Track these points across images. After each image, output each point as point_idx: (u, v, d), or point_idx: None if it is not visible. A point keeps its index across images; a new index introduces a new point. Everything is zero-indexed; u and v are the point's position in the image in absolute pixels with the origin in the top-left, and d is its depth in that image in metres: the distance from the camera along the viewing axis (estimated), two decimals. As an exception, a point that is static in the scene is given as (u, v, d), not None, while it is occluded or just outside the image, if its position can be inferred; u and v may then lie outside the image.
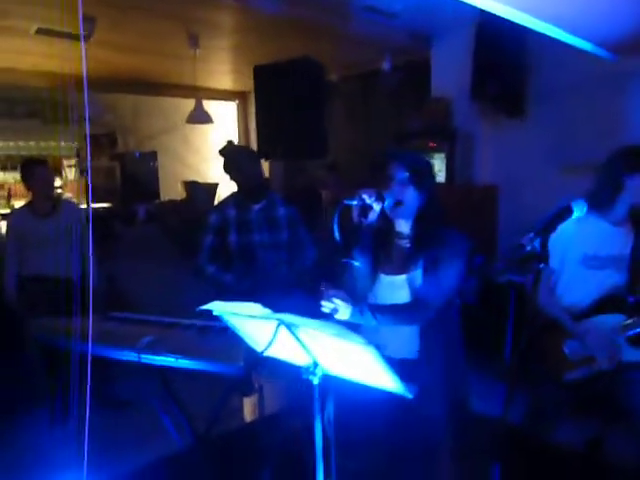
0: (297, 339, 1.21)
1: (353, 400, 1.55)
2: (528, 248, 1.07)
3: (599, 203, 2.00)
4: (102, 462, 2.50)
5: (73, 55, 4.52)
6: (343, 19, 4.13)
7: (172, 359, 1.86)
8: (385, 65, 5.22)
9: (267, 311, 1.20)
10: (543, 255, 1.06)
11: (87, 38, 4.17)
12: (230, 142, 3.09)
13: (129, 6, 3.75)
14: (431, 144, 4.40)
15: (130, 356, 1.91)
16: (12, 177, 5.60)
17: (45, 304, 3.00)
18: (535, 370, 2.30)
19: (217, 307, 1.31)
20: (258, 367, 2.07)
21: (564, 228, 2.00)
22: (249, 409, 3.33)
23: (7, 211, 4.80)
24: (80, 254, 3.30)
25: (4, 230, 3.49)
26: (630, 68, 3.53)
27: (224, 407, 2.84)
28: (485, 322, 2.90)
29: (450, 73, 4.63)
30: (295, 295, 2.76)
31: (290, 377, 2.28)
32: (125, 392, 3.32)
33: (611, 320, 2.03)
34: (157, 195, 5.85)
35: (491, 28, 3.98)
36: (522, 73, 4.05)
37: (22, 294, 3.20)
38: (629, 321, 2.02)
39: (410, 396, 1.17)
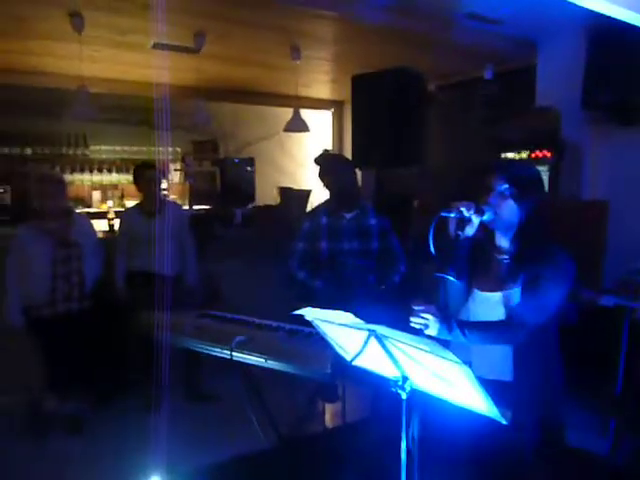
0: (387, 352, 1.20)
1: (441, 419, 1.51)
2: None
3: None
4: (187, 453, 2.66)
5: (182, 66, 4.88)
6: (445, 27, 4.05)
7: (262, 359, 1.92)
8: (487, 73, 5.05)
9: (359, 321, 1.20)
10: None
11: (197, 51, 4.47)
12: (326, 151, 3.15)
13: (236, 20, 3.94)
14: (534, 154, 4.17)
15: (223, 353, 2.00)
16: (125, 179, 6.11)
17: (149, 298, 3.23)
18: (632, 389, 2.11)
19: (309, 313, 1.33)
20: (345, 375, 2.08)
21: None
22: (331, 415, 3.35)
23: (120, 209, 5.22)
24: (182, 252, 3.53)
25: (117, 226, 3.78)
26: None
27: (309, 411, 2.89)
28: (586, 347, 2.70)
29: (558, 80, 4.38)
30: (383, 306, 2.75)
31: (376, 388, 2.28)
32: (214, 387, 3.47)
33: None
34: (253, 199, 6.08)
35: (605, 31, 3.72)
36: (636, 79, 3.73)
37: (129, 288, 3.45)
38: None
39: (504, 422, 1.11)
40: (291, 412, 2.54)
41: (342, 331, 1.35)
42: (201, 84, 5.59)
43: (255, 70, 5.53)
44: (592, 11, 3.09)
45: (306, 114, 6.35)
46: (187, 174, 6.03)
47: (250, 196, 6.03)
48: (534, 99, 4.60)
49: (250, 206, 5.62)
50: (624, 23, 2.84)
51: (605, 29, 3.71)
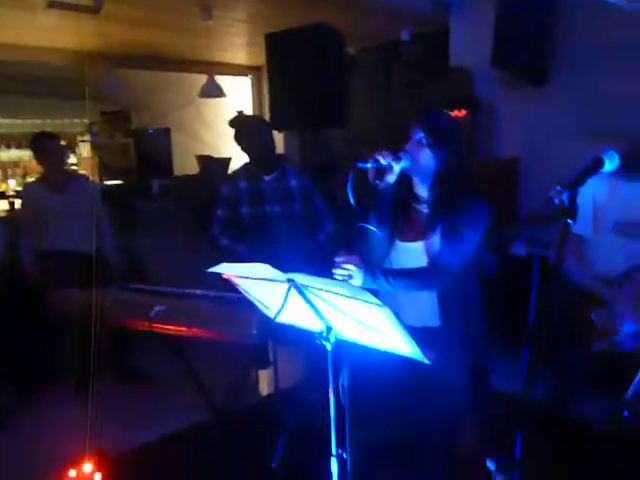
0: (309, 302, 1.16)
1: (369, 368, 1.51)
2: (556, 202, 0.99)
3: (631, 166, 1.89)
4: (121, 434, 2.55)
5: (85, 30, 4.48)
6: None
7: (184, 327, 1.83)
8: (404, 35, 5.07)
9: (277, 272, 1.15)
10: (571, 210, 0.98)
11: (96, 11, 4.11)
12: (240, 112, 3.03)
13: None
14: (454, 113, 4.25)
15: (142, 325, 1.89)
16: (27, 155, 5.61)
17: (63, 277, 3.01)
18: (562, 340, 2.24)
19: (225, 269, 1.26)
20: (272, 336, 2.05)
21: (590, 193, 1.92)
22: (265, 382, 3.33)
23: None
24: (96, 228, 3.31)
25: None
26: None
27: (242, 380, 2.84)
28: (506, 297, 2.84)
29: (469, 41, 4.47)
30: (311, 267, 2.72)
31: (306, 346, 2.26)
32: (144, 364, 3.34)
33: None
34: (171, 171, 5.81)
35: (513, -8, 3.81)
36: (547, 40, 3.88)
37: (42, 267, 3.21)
38: None
39: (427, 362, 1.11)
40: (225, 383, 2.49)
41: (263, 286, 1.30)
42: (108, 49, 5.19)
43: (166, 34, 5.19)
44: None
45: (224, 81, 6.12)
46: (97, 147, 5.64)
47: (168, 167, 5.76)
48: (448, 60, 4.69)
49: (169, 177, 5.36)
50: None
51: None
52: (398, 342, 1.11)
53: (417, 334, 1.68)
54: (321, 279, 1.08)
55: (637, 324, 1.93)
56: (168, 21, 4.77)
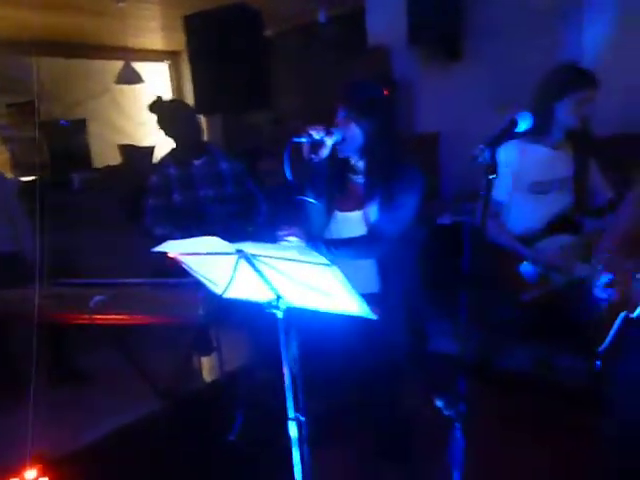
0: (258, 272, 1.19)
1: (317, 335, 1.57)
2: (480, 159, 1.09)
3: (536, 130, 2.06)
4: (67, 435, 2.45)
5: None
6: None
7: (127, 316, 1.80)
8: (320, 17, 5.11)
9: (225, 244, 1.17)
10: (492, 166, 1.09)
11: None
12: (159, 97, 2.93)
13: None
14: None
15: (82, 318, 1.83)
16: None
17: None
18: (491, 294, 2.41)
19: (172, 247, 1.26)
20: (218, 317, 2.05)
21: (504, 158, 2.07)
22: (209, 368, 3.32)
23: None
24: (12, 226, 3.12)
25: None
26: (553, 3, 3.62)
27: (186, 367, 2.82)
28: (437, 265, 3.00)
29: (385, 20, 4.58)
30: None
31: (251, 326, 2.29)
32: (85, 362, 3.22)
33: (562, 240, 2.14)
34: (89, 163, 5.55)
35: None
36: (458, 14, 4.05)
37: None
38: (577, 238, 2.13)
39: (374, 317, 1.18)
40: (168, 372, 2.47)
41: (210, 262, 1.31)
42: (12, 35, 4.82)
43: (77, 18, 4.91)
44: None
45: (141, 67, 5.88)
46: (6, 140, 5.26)
47: (86, 159, 5.49)
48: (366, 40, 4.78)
49: (89, 169, 5.11)
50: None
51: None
52: (346, 301, 1.18)
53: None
54: (270, 246, 1.11)
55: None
56: (79, 4, 4.52)
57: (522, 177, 2.09)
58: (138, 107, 6.59)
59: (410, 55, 4.38)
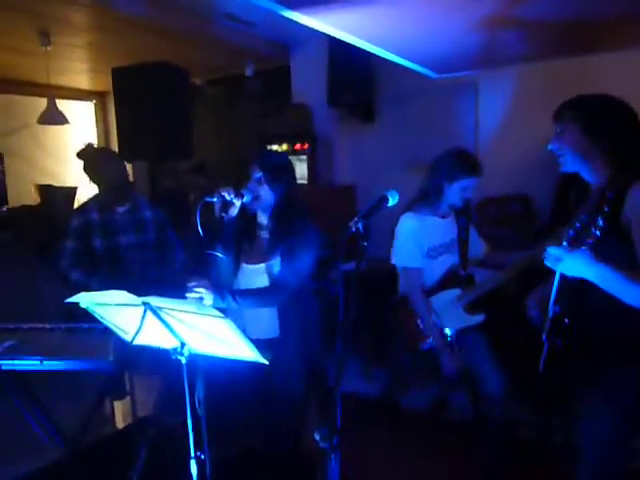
0: (163, 322, 1.33)
1: (221, 379, 1.70)
2: (353, 230, 1.32)
3: (428, 204, 2.39)
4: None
5: None
6: (204, 25, 4.23)
7: (37, 362, 1.83)
8: (248, 71, 5.41)
9: (133, 297, 1.30)
10: (366, 235, 1.32)
11: None
12: (89, 145, 3.01)
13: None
14: (296, 147, 4.68)
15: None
16: None
17: None
18: (397, 343, 2.67)
19: (83, 298, 1.37)
20: (129, 363, 2.11)
21: (410, 229, 2.36)
22: (122, 412, 3.29)
23: None
24: None
25: None
26: (457, 82, 4.17)
27: (95, 412, 2.80)
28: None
29: (308, 81, 4.95)
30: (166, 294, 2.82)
31: (162, 372, 2.36)
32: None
33: (450, 294, 2.44)
34: (5, 200, 5.36)
35: (342, 42, 4.35)
36: (370, 83, 4.51)
37: None
38: (461, 292, 2.43)
39: (266, 362, 1.35)
40: (78, 418, 2.45)
41: (119, 311, 1.43)
42: None
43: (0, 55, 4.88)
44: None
45: (66, 105, 5.85)
46: None
47: (1, 196, 5.31)
48: (290, 96, 5.13)
49: (3, 207, 4.96)
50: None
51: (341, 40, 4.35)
52: (241, 349, 1.34)
53: (260, 345, 1.93)
54: (173, 300, 1.26)
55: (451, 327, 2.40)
56: (5, 43, 4.51)
57: (421, 244, 2.39)
58: (61, 144, 6.50)
59: (330, 114, 4.76)
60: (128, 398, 3.05)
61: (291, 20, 4.35)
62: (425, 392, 3.34)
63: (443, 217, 2.45)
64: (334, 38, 4.47)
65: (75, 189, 4.93)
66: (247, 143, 5.37)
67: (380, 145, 4.71)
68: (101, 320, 1.48)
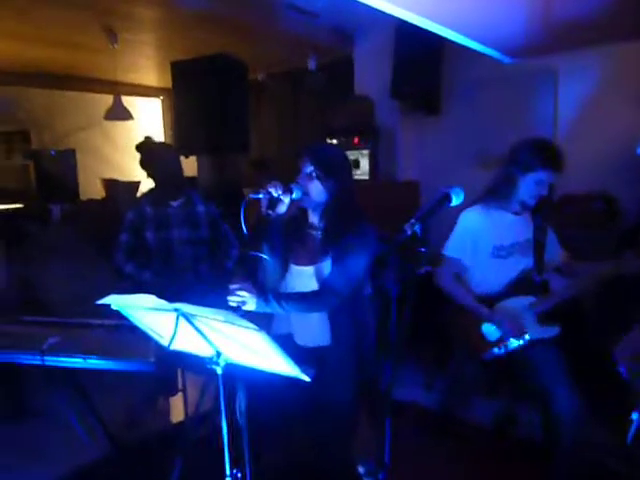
0: (196, 329, 1.22)
1: (265, 389, 1.58)
2: (409, 233, 1.13)
3: (499, 197, 2.14)
4: (18, 474, 2.39)
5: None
6: (266, 17, 4.15)
7: (80, 359, 1.80)
8: (310, 64, 5.30)
9: (162, 302, 1.19)
10: (424, 240, 1.13)
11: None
12: (148, 138, 3.01)
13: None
14: (355, 141, 4.50)
15: (34, 359, 1.83)
16: None
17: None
18: (457, 350, 2.44)
19: (114, 301, 1.29)
20: (175, 363, 2.05)
21: (470, 223, 2.14)
22: (175, 409, 3.27)
23: None
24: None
25: None
26: (534, 68, 3.81)
27: (146, 409, 2.78)
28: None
29: (372, 72, 4.77)
30: (215, 292, 2.75)
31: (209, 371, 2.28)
32: (39, 402, 3.16)
33: (522, 301, 2.19)
34: (76, 194, 5.58)
35: (409, 29, 4.12)
36: (438, 72, 4.24)
37: None
38: (534, 300, 2.18)
39: (307, 379, 1.20)
40: (130, 415, 2.43)
41: (154, 316, 1.33)
42: (4, 66, 4.94)
43: (69, 52, 5.06)
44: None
45: (134, 102, 6.02)
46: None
47: (72, 191, 5.53)
48: (353, 89, 4.96)
49: (74, 201, 5.15)
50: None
51: (409, 26, 4.13)
52: (278, 363, 1.20)
53: (309, 353, 1.79)
54: (204, 308, 1.14)
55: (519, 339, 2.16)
56: (75, 41, 4.67)
57: (485, 241, 2.15)
58: (129, 140, 6.69)
59: (393, 107, 4.54)
60: (180, 395, 3.02)
61: (355, 8, 4.21)
62: (489, 405, 3.08)
63: (516, 214, 2.19)
64: (400, 27, 4.31)
65: (138, 183, 5.04)
66: (308, 137, 5.26)
67: (446, 139, 4.44)
68: (136, 323, 1.39)
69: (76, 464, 2.48)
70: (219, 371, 1.32)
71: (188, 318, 1.17)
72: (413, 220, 1.15)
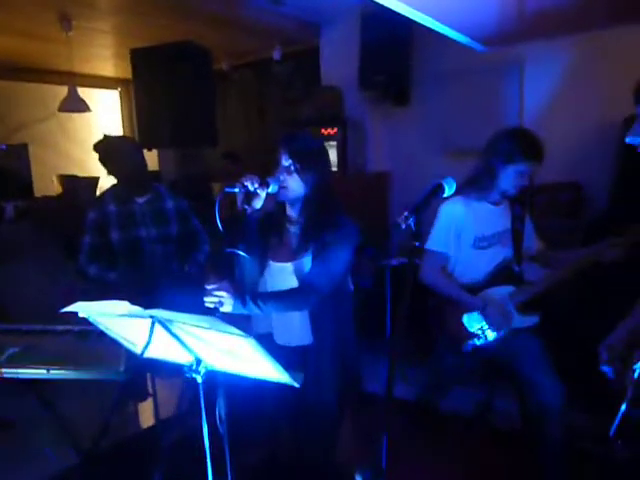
0: (174, 336, 1.12)
1: (245, 393, 1.50)
2: (403, 227, 1.07)
3: (479, 188, 2.11)
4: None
5: None
6: (230, 3, 4.00)
7: (43, 370, 1.67)
8: (275, 54, 5.18)
9: (137, 308, 1.09)
10: (417, 234, 1.07)
11: None
12: (105, 136, 2.83)
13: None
14: (323, 131, 4.42)
15: (-9, 371, 1.68)
16: None
17: None
18: (437, 341, 2.42)
19: (82, 308, 1.17)
20: (145, 369, 1.94)
21: (453, 215, 2.11)
22: (145, 414, 3.14)
23: None
24: None
25: None
26: (501, 58, 3.81)
27: (114, 415, 2.65)
28: (381, 304, 2.99)
29: (339, 62, 4.69)
30: (185, 291, 2.64)
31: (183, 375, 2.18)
32: (5, 410, 2.98)
33: (502, 291, 2.17)
34: (30, 191, 5.29)
35: (376, 17, 4.07)
36: (406, 62, 4.20)
37: None
38: (514, 289, 2.17)
39: (297, 385, 1.13)
40: (98, 420, 2.31)
41: (124, 323, 1.23)
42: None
43: (20, 41, 4.77)
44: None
45: (91, 93, 5.75)
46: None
47: (26, 187, 5.24)
48: (320, 79, 4.87)
49: (28, 198, 4.87)
50: (393, 10, 3.13)
51: (376, 14, 4.07)
52: (266, 369, 1.12)
53: (291, 353, 1.71)
54: (182, 314, 1.04)
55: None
56: (27, 30, 4.40)
57: (467, 232, 2.13)
58: (87, 134, 6.41)
59: (362, 97, 4.48)
60: (150, 399, 2.90)
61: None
62: (467, 395, 3.08)
63: (496, 204, 2.17)
64: (366, 15, 4.25)
65: (97, 179, 4.82)
66: (276, 129, 5.15)
67: (416, 129, 4.40)
68: (106, 331, 1.28)
69: (47, 474, 2.35)
70: (199, 379, 1.23)
71: (165, 325, 1.08)
72: (407, 213, 1.08)
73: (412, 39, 4.13)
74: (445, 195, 1.19)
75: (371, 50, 4.16)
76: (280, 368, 1.08)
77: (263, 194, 1.64)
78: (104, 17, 4.37)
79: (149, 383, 2.85)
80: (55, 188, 5.04)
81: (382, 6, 2.77)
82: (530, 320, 2.20)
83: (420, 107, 4.35)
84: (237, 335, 1.00)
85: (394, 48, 4.11)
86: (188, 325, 1.05)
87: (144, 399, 2.97)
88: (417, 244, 1.06)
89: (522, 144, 2.03)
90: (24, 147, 5.55)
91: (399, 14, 2.79)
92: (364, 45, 4.20)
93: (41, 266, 3.37)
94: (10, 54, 5.10)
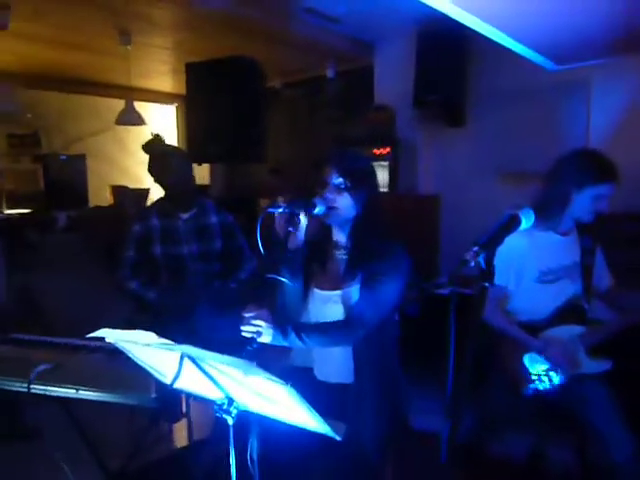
0: (204, 372, 1.01)
1: (278, 433, 1.36)
2: (472, 264, 0.92)
3: (547, 216, 1.92)
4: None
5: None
6: (284, 20, 3.98)
7: (72, 390, 1.60)
8: (329, 72, 5.13)
9: (165, 342, 0.98)
10: (488, 272, 0.91)
11: (2, 27, 3.81)
12: (157, 136, 2.73)
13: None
14: (375, 151, 4.30)
15: (20, 387, 1.63)
16: None
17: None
18: (494, 381, 2.21)
19: (109, 334, 1.08)
20: (175, 396, 1.84)
21: (514, 246, 1.92)
22: (177, 434, 3.05)
23: None
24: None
25: None
26: (567, 77, 3.58)
27: (147, 435, 2.58)
28: (428, 335, 2.81)
29: (393, 80, 4.59)
30: (231, 307, 2.53)
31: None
32: (31, 422, 2.96)
33: (570, 331, 1.97)
34: (86, 200, 5.42)
35: (432, 35, 3.95)
36: (462, 81, 4.05)
37: None
38: (584, 330, 1.96)
39: (338, 438, 0.98)
40: (130, 439, 2.23)
41: (154, 352, 1.13)
42: (17, 68, 4.83)
43: (82, 55, 4.93)
44: (423, 15, 3.21)
45: (148, 107, 5.88)
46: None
47: (82, 197, 5.36)
48: (373, 98, 4.77)
49: (82, 208, 4.98)
50: (450, 28, 2.98)
51: (432, 32, 3.94)
52: (305, 418, 0.98)
53: (330, 391, 1.57)
54: (215, 354, 0.92)
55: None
56: (87, 44, 4.54)
57: (530, 265, 1.94)
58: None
59: (415, 117, 4.34)
60: (184, 420, 2.81)
61: (376, 14, 4.03)
62: (521, 440, 2.83)
63: (564, 235, 1.97)
64: (422, 33, 4.12)
65: (147, 190, 4.87)
66: (324, 146, 5.07)
67: (470, 150, 4.21)
68: (134, 359, 1.18)
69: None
70: (230, 421, 1.11)
71: (196, 362, 0.96)
72: (476, 248, 0.92)
73: (469, 57, 3.98)
74: (522, 228, 1.03)
75: (426, 69, 4.04)
76: (320, 419, 0.94)
77: (309, 216, 1.52)
78: (162, 33, 4.45)
79: (183, 403, 2.77)
80: (108, 199, 5.14)
81: (438, 24, 2.64)
82: (601, 366, 1.97)
83: (475, 128, 4.17)
84: (275, 382, 0.87)
85: (450, 67, 3.98)
86: (219, 365, 0.93)
87: (177, 420, 2.88)
88: (486, 284, 0.90)
89: (598, 165, 1.84)
90: (82, 158, 5.71)
91: (456, 33, 2.65)
92: (420, 63, 4.08)
93: (86, 277, 3.38)
94: (70, 67, 5.28)
